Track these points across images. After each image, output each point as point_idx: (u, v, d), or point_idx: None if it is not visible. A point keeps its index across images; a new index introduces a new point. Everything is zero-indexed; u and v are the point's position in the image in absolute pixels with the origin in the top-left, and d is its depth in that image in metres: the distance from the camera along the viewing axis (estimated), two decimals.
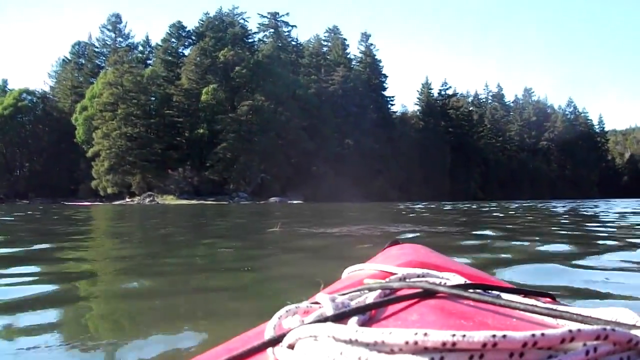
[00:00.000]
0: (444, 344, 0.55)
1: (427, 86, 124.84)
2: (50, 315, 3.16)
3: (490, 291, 0.86)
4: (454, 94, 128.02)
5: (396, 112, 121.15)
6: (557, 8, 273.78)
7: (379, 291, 0.91)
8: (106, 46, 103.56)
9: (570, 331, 0.56)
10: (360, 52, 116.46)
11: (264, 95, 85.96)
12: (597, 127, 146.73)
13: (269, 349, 0.69)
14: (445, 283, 0.94)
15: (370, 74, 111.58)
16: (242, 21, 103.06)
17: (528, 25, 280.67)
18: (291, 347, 0.67)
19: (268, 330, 0.76)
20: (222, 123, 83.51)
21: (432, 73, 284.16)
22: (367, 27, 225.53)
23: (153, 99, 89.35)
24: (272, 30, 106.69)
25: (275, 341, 0.69)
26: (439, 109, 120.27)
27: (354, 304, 0.84)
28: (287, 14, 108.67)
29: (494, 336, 0.54)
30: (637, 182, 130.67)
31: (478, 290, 0.85)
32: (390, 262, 1.29)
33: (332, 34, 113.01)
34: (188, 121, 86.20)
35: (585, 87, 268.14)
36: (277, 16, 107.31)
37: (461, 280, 0.96)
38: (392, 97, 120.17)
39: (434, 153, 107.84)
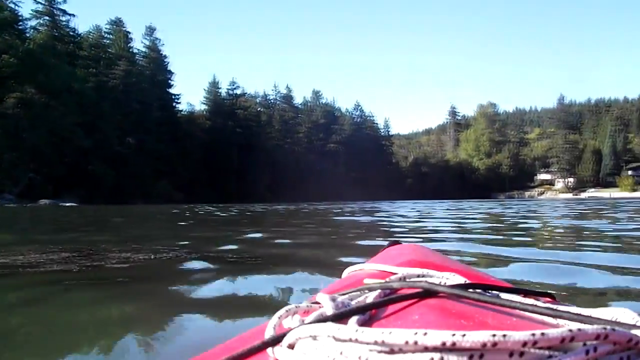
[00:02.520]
0: (443, 343, 0.55)
1: (215, 85, 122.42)
2: None
3: (490, 291, 0.86)
4: (243, 94, 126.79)
5: (182, 110, 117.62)
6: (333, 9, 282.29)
7: (379, 291, 0.90)
8: None
9: (570, 331, 0.55)
10: (144, 47, 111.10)
11: (36, 87, 78.36)
12: (383, 131, 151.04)
13: (269, 349, 0.69)
14: (445, 283, 0.94)
15: (155, 70, 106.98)
16: (12, 5, 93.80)
17: (314, 26, 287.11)
18: (291, 347, 0.67)
19: (268, 330, 0.75)
20: None
21: (220, 72, 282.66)
22: (153, 21, 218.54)
23: None
24: (47, 17, 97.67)
25: (275, 341, 0.69)
26: (227, 109, 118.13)
27: (354, 304, 0.84)
28: (65, 1, 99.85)
29: (493, 336, 0.54)
30: (419, 184, 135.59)
31: (478, 290, 0.85)
32: (390, 262, 1.29)
33: (115, 26, 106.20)
34: None
35: (373, 92, 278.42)
36: (53, 3, 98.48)
37: (461, 280, 0.96)
38: (179, 95, 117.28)
39: (221, 154, 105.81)
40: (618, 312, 0.73)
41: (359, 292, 0.93)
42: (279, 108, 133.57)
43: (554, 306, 0.77)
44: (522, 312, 0.77)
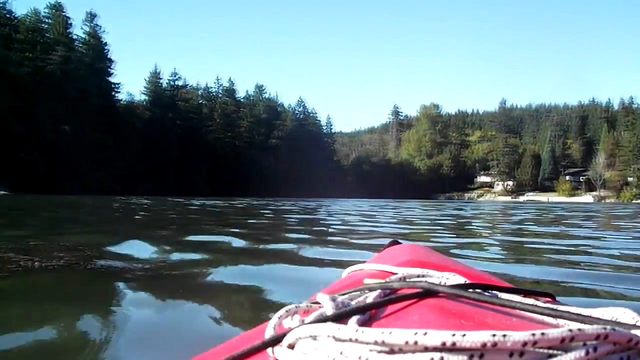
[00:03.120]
0: (443, 343, 0.55)
1: (156, 75, 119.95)
2: None
3: (490, 291, 0.86)
4: (184, 85, 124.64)
5: (122, 100, 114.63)
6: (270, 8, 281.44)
7: (379, 291, 0.91)
8: None
9: (570, 331, 0.56)
10: (84, 33, 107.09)
11: None
12: (325, 128, 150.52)
13: (269, 349, 0.69)
14: (445, 283, 0.94)
15: (95, 57, 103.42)
16: None
17: (261, 20, 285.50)
18: (291, 347, 0.67)
19: (268, 330, 0.76)
20: None
21: (163, 62, 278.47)
22: (96, 8, 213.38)
23: None
24: None
25: (275, 341, 0.69)
26: (168, 100, 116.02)
27: (354, 304, 0.84)
28: None
29: (494, 336, 0.54)
30: (360, 182, 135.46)
31: (478, 290, 0.85)
32: (390, 262, 1.29)
33: (54, 11, 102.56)
34: None
35: (318, 89, 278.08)
36: None
37: (461, 280, 0.96)
38: (119, 84, 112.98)
39: (160, 145, 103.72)
40: (618, 312, 0.73)
41: (359, 292, 0.93)
42: (220, 101, 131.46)
43: (554, 306, 0.78)
44: (522, 312, 0.77)
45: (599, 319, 0.71)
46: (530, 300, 0.83)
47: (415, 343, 0.56)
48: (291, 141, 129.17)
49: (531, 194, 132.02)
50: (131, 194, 69.43)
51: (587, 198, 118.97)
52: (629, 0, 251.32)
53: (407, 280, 0.98)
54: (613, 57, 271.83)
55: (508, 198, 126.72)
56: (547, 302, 0.90)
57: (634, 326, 0.67)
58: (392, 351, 0.58)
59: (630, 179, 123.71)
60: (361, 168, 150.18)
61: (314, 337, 0.64)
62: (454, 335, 0.55)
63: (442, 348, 0.55)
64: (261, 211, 21.02)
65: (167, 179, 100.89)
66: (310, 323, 0.70)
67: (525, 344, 0.54)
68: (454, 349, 0.55)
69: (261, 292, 3.78)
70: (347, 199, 65.67)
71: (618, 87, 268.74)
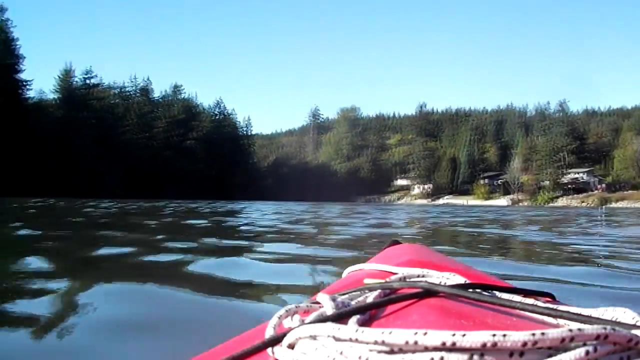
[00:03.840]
0: (443, 343, 0.55)
1: (68, 73, 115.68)
2: None
3: (490, 291, 0.87)
4: (99, 84, 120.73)
5: (32, 98, 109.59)
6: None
7: (379, 291, 0.91)
8: None
9: (570, 331, 0.56)
10: None
11: None
12: (243, 129, 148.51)
13: (269, 349, 0.69)
14: (445, 283, 0.95)
15: (2, 53, 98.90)
16: None
17: (177, 18, 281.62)
18: (291, 346, 0.67)
19: (268, 330, 0.76)
20: None
21: (77, 59, 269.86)
22: (4, 1, 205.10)
23: None
24: None
25: (275, 341, 0.69)
26: (81, 99, 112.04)
27: (354, 303, 0.84)
28: None
29: (494, 335, 0.55)
30: (279, 186, 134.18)
31: (478, 290, 0.86)
32: (390, 262, 1.30)
33: None
34: None
35: (236, 89, 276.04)
36: None
37: (461, 280, 0.97)
38: (29, 81, 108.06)
39: (73, 145, 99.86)
40: (618, 312, 0.74)
41: (359, 292, 0.93)
42: (136, 101, 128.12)
43: (554, 306, 0.78)
44: (522, 312, 0.78)
45: (599, 319, 0.72)
46: (530, 300, 0.84)
47: (415, 343, 0.56)
48: (208, 142, 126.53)
49: (448, 197, 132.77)
50: (44, 195, 66.64)
51: (503, 201, 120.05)
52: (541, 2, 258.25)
53: (407, 280, 0.99)
54: (529, 61, 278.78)
55: (426, 201, 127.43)
56: (547, 302, 0.90)
57: (634, 326, 0.67)
58: (392, 351, 0.58)
59: (545, 183, 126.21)
60: (280, 170, 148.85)
61: (314, 337, 0.64)
62: (454, 335, 0.55)
63: (442, 348, 0.55)
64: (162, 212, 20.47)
65: (80, 179, 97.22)
66: (310, 323, 0.70)
67: (525, 343, 0.55)
68: (454, 348, 0.55)
69: None
70: (266, 202, 64.37)
71: (534, 91, 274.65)
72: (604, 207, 73.68)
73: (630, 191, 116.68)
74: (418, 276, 1.02)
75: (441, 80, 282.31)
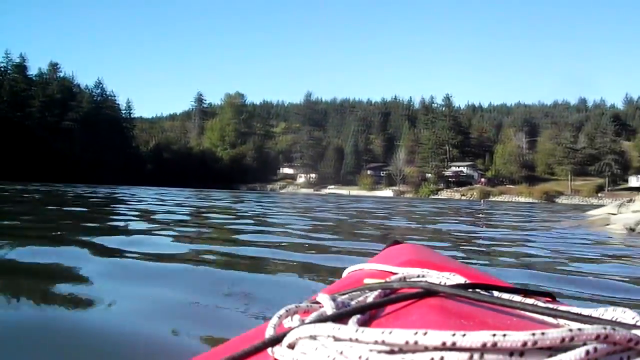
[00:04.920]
0: (444, 343, 0.55)
1: None
2: None
3: (490, 291, 0.87)
4: None
5: None
6: None
7: (379, 291, 0.91)
8: None
9: (570, 331, 0.56)
10: None
11: None
12: (124, 112, 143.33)
13: (269, 349, 0.69)
14: (445, 283, 0.95)
15: None
16: None
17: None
18: (291, 346, 0.67)
19: (268, 330, 0.76)
20: None
21: None
22: None
23: None
24: None
25: (275, 341, 0.69)
26: None
27: (354, 303, 0.84)
28: None
29: (494, 335, 0.55)
30: (160, 171, 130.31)
31: (478, 290, 0.86)
32: (390, 262, 1.30)
33: None
34: None
35: (118, 70, 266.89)
36: None
37: (461, 280, 0.97)
38: None
39: None
40: (618, 312, 0.74)
41: (359, 292, 0.93)
42: (9, 78, 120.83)
43: (554, 306, 0.78)
44: (522, 312, 0.78)
45: (599, 319, 0.72)
46: (530, 300, 0.84)
47: (416, 343, 0.56)
48: (87, 124, 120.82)
49: (333, 187, 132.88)
50: None
51: (387, 192, 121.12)
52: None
53: (407, 280, 0.99)
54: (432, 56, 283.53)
55: (310, 190, 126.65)
56: (547, 302, 0.90)
57: (634, 326, 0.67)
58: (392, 351, 0.58)
59: (428, 175, 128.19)
60: (161, 156, 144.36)
61: (314, 337, 0.64)
62: (454, 335, 0.55)
63: (442, 348, 0.55)
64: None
65: None
66: (310, 323, 0.70)
67: (525, 343, 0.55)
68: (454, 348, 0.55)
69: None
70: (148, 187, 61.74)
71: (418, 86, 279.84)
72: (484, 200, 75.01)
73: (509, 185, 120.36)
74: (418, 276, 1.02)
75: (328, 71, 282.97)
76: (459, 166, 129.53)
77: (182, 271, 4.73)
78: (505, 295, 0.86)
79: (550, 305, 0.79)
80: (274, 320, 0.78)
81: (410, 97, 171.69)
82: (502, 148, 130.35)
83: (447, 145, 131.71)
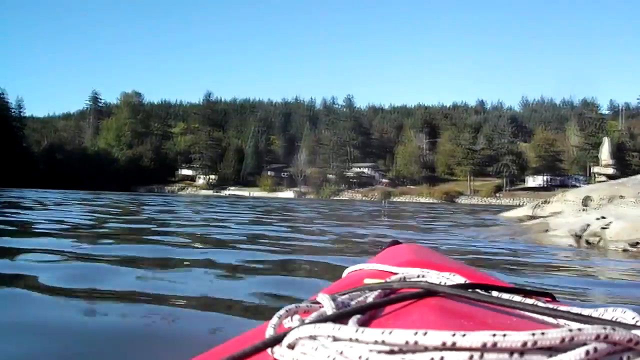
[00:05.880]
0: (444, 343, 0.55)
1: None
2: None
3: (490, 291, 0.87)
4: None
5: None
6: None
7: (379, 291, 0.91)
8: None
9: (570, 331, 0.56)
10: None
11: None
12: (14, 111, 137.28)
13: (269, 349, 0.69)
14: (445, 283, 0.95)
15: None
16: None
17: None
18: (291, 347, 0.67)
19: (268, 330, 0.76)
20: None
21: None
22: None
23: None
24: None
25: (275, 341, 0.69)
26: None
27: (354, 303, 0.84)
28: None
29: (494, 335, 0.55)
30: (52, 172, 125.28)
31: (478, 290, 0.86)
32: (390, 262, 1.31)
33: None
34: None
35: (9, 66, 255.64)
36: None
37: (461, 280, 0.97)
38: None
39: None
40: (618, 312, 0.74)
41: (359, 292, 0.93)
42: None
43: (554, 306, 0.79)
44: (522, 312, 0.78)
45: (599, 319, 0.72)
46: (530, 300, 0.84)
47: (416, 343, 0.56)
48: None
49: (233, 188, 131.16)
50: None
51: (289, 194, 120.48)
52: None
53: (407, 280, 0.99)
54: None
55: (210, 192, 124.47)
56: (547, 302, 0.91)
57: (634, 326, 0.67)
58: (392, 351, 0.58)
59: (330, 176, 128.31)
60: (54, 156, 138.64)
61: (314, 337, 0.65)
62: (454, 335, 0.55)
63: (442, 348, 0.56)
64: None
65: None
66: (310, 323, 0.70)
67: (525, 343, 0.55)
68: (454, 349, 0.55)
69: None
70: (36, 190, 58.57)
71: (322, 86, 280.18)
72: (386, 201, 75.18)
73: (410, 186, 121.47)
74: (418, 276, 1.02)
75: (228, 70, 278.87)
76: (360, 167, 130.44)
77: None
78: (505, 295, 0.86)
79: (550, 305, 0.79)
80: (274, 320, 0.78)
81: (312, 98, 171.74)
82: (403, 149, 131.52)
83: (348, 146, 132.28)
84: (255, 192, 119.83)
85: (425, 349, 0.56)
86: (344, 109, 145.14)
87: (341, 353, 0.60)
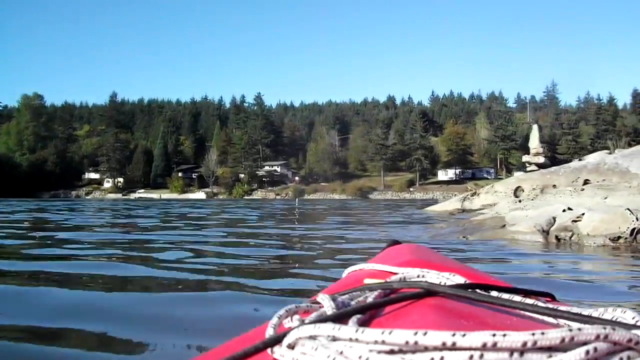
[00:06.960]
0: (444, 343, 0.55)
1: None
2: None
3: (490, 291, 0.87)
4: None
5: None
6: None
7: (379, 291, 0.91)
8: None
9: (570, 331, 0.56)
10: None
11: None
12: None
13: (269, 349, 0.69)
14: (445, 283, 0.95)
15: None
16: None
17: None
18: (291, 347, 0.67)
19: (268, 330, 0.76)
20: None
21: None
22: None
23: None
24: None
25: (275, 341, 0.69)
26: None
27: (354, 303, 0.84)
28: None
29: (494, 335, 0.55)
30: None
31: (478, 290, 0.86)
32: (390, 262, 1.31)
33: None
34: None
35: None
36: None
37: (461, 280, 0.97)
38: None
39: None
40: (618, 312, 0.74)
41: (359, 292, 0.93)
42: None
43: (554, 306, 0.79)
44: (522, 312, 0.78)
45: (599, 318, 0.72)
46: (530, 300, 0.84)
47: (416, 343, 0.56)
48: None
49: (142, 190, 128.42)
50: None
51: (200, 194, 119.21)
52: None
53: (407, 280, 0.99)
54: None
55: (119, 195, 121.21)
56: (547, 302, 0.91)
57: (634, 326, 0.67)
58: (392, 351, 0.58)
59: (241, 176, 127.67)
60: None
61: (314, 337, 0.65)
62: (454, 335, 0.55)
63: (442, 348, 0.55)
64: None
65: None
66: (310, 323, 0.70)
67: (525, 343, 0.55)
68: (454, 349, 0.55)
69: None
70: None
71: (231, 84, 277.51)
72: (298, 199, 75.16)
73: (323, 183, 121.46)
74: (418, 276, 1.02)
75: (134, 70, 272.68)
76: (272, 165, 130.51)
77: None
78: (505, 295, 0.86)
79: (550, 305, 0.79)
80: (274, 320, 0.78)
81: (221, 97, 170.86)
82: (315, 146, 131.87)
83: (259, 145, 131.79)
84: (165, 194, 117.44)
85: (425, 349, 0.56)
86: (254, 108, 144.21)
87: (341, 353, 0.59)
